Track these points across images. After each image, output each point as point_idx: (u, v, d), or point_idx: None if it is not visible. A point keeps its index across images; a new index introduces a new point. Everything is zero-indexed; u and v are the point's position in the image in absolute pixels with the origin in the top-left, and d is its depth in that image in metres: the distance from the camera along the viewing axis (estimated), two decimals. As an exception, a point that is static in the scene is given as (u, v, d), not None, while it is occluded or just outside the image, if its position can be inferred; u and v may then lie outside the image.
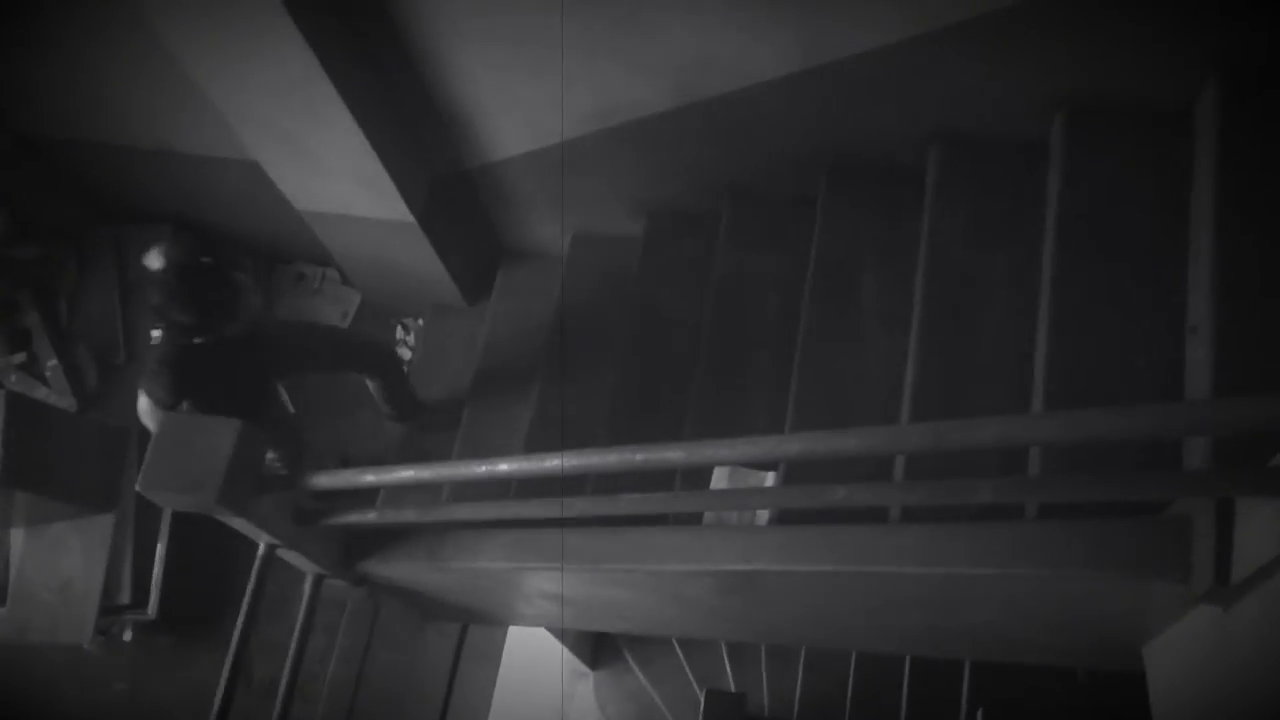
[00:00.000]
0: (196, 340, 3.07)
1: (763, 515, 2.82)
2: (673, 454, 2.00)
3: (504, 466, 2.33)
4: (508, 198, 3.73)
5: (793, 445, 1.79)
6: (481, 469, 2.39)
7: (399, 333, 4.51)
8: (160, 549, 4.14)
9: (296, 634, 2.88)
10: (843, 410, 2.96)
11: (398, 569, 3.01)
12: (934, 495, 1.98)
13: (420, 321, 4.47)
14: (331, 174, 3.43)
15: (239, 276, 3.12)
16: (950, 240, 2.95)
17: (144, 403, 3.19)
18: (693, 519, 2.87)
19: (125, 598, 4.20)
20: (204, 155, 3.93)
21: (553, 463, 2.21)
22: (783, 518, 2.71)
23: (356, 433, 4.06)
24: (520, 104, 3.22)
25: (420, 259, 3.89)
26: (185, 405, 3.13)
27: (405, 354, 4.44)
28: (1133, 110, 2.72)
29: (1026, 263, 2.80)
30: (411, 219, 3.60)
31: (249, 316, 3.15)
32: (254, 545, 2.75)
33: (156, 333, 3.23)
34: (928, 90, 2.81)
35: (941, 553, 2.31)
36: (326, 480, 2.63)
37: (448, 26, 2.97)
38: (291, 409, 4.14)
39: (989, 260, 2.91)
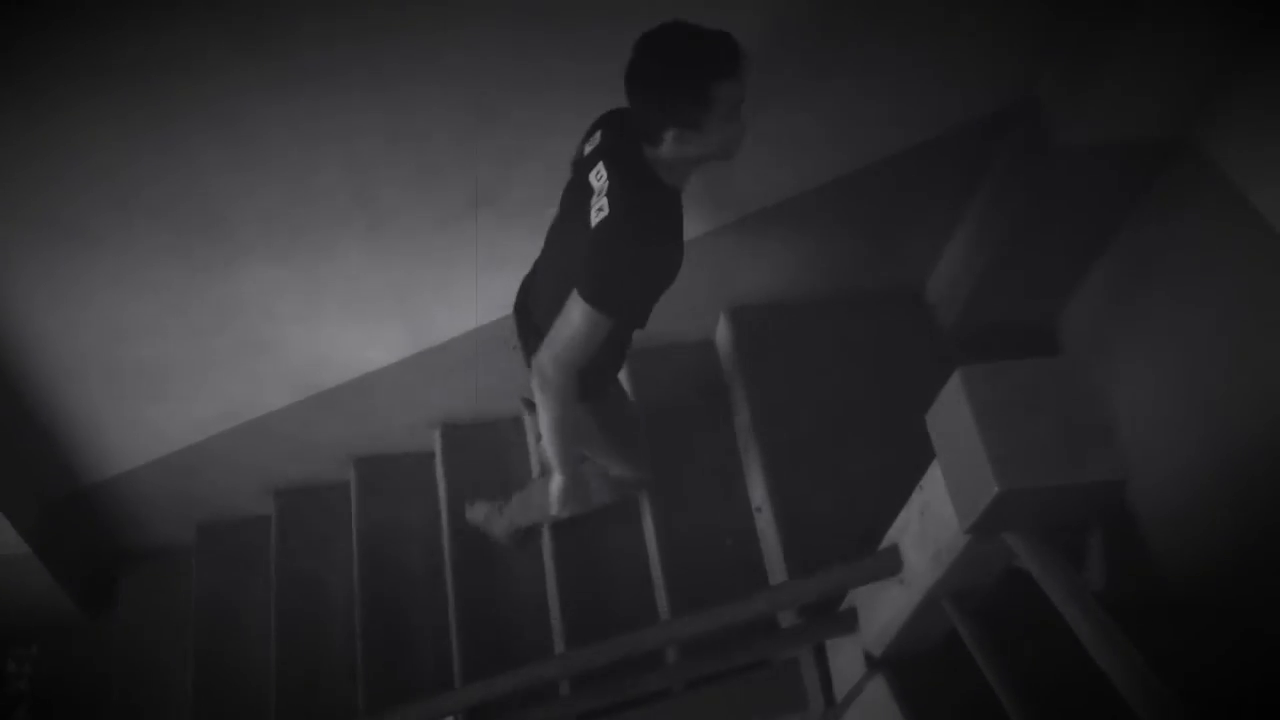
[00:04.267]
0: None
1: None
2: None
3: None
4: (129, 504, 3.76)
5: (507, 681, 2.17)
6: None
7: (11, 665, 4.22)
8: None
9: None
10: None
11: None
12: (614, 694, 2.44)
13: (34, 649, 4.22)
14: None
15: None
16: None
17: (581, 318, 2.07)
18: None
19: None
20: None
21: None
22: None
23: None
24: (139, 423, 3.36)
25: (34, 586, 3.76)
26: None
27: (22, 687, 4.16)
28: (671, 343, 3.45)
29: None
30: (26, 549, 3.53)
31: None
32: None
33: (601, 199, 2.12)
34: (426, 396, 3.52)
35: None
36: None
37: (58, 368, 3.09)
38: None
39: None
